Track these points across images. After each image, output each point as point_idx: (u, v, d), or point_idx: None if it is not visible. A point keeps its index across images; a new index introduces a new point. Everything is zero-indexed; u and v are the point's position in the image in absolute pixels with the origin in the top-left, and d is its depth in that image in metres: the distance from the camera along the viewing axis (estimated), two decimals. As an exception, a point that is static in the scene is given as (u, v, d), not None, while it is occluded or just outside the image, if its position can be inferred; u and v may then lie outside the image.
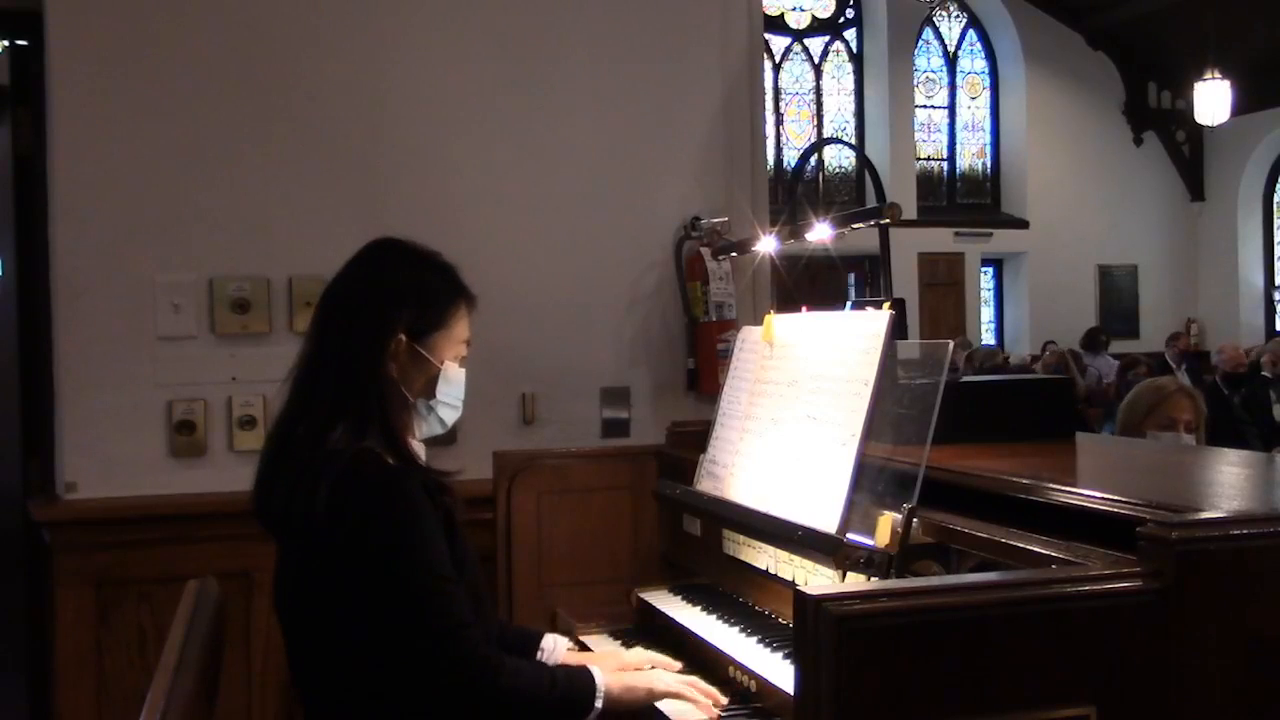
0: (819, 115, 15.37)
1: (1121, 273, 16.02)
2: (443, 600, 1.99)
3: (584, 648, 2.68)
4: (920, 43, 15.78)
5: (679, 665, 2.38)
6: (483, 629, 2.07)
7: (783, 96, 15.12)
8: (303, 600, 2.10)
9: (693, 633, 2.55)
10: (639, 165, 3.56)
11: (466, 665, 1.98)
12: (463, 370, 2.24)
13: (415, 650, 1.97)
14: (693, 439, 3.04)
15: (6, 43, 3.48)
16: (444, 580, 2.01)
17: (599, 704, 2.10)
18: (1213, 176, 16.34)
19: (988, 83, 16.18)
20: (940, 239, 15.18)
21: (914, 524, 2.00)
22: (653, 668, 2.33)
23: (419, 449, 2.22)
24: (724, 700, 2.22)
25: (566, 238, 3.49)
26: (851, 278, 13.57)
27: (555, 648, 2.44)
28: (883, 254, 2.83)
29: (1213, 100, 12.50)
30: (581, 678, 2.13)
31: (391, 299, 2.14)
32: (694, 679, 2.26)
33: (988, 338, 15.76)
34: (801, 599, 1.42)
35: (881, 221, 2.68)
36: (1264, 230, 16.22)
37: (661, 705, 2.21)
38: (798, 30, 15.34)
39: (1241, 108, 13.34)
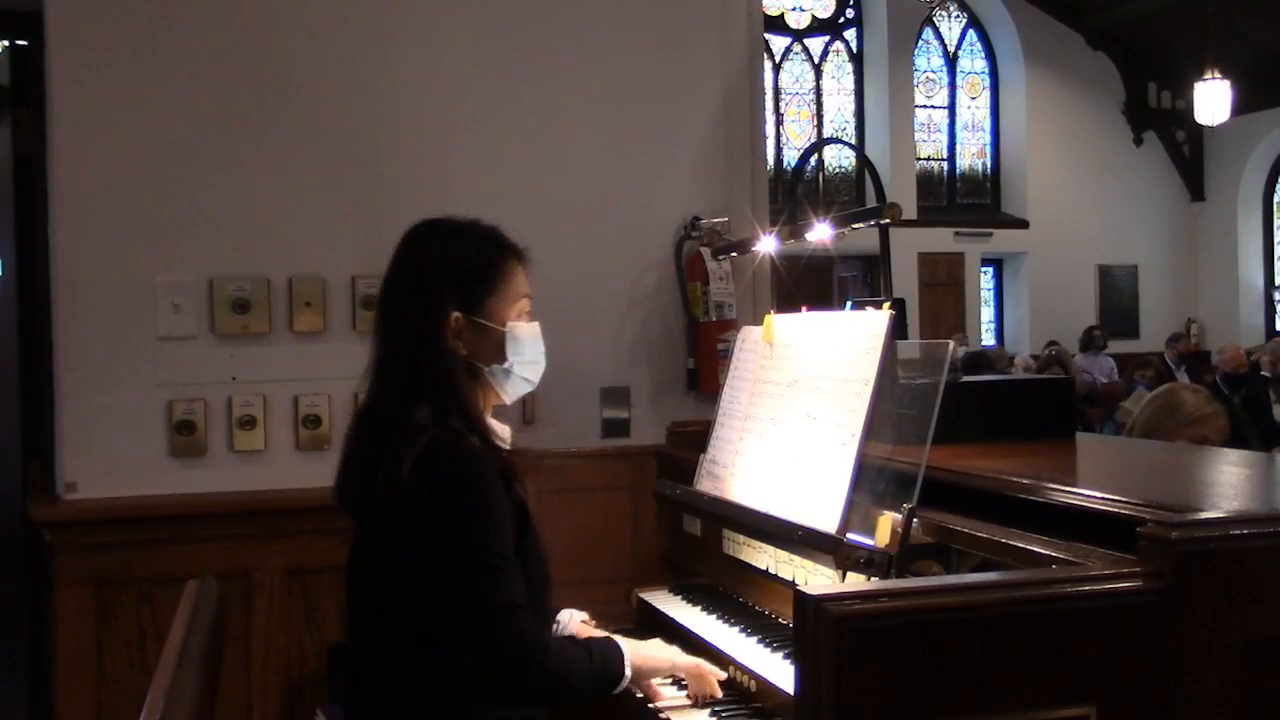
0: (819, 115, 15.38)
1: (1121, 273, 16.03)
2: (497, 578, 2.02)
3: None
4: (920, 43, 15.78)
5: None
6: (537, 614, 2.11)
7: (783, 96, 15.12)
8: (373, 573, 2.15)
9: (693, 633, 2.55)
10: (639, 165, 3.55)
11: (516, 643, 2.00)
12: (534, 325, 2.29)
13: (465, 624, 2.00)
14: (693, 439, 3.04)
15: (6, 43, 3.49)
16: (501, 559, 2.03)
17: (628, 671, 2.16)
18: (1213, 176, 16.34)
19: (988, 83, 16.19)
20: (940, 239, 15.18)
21: (914, 524, 2.00)
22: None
23: (505, 431, 2.26)
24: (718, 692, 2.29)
25: (566, 238, 3.49)
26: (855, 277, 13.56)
27: (570, 619, 2.47)
28: (883, 254, 2.83)
29: (1213, 100, 12.50)
30: (611, 649, 2.18)
31: (434, 279, 2.19)
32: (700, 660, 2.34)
33: (988, 338, 15.76)
34: (801, 599, 1.42)
35: (881, 221, 2.68)
36: (1264, 230, 16.23)
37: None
38: (798, 30, 15.34)
39: (1241, 108, 13.34)
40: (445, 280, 2.19)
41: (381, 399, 2.19)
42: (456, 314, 2.18)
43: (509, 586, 2.02)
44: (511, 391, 2.29)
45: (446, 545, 2.02)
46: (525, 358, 2.26)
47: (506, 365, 2.24)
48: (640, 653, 2.23)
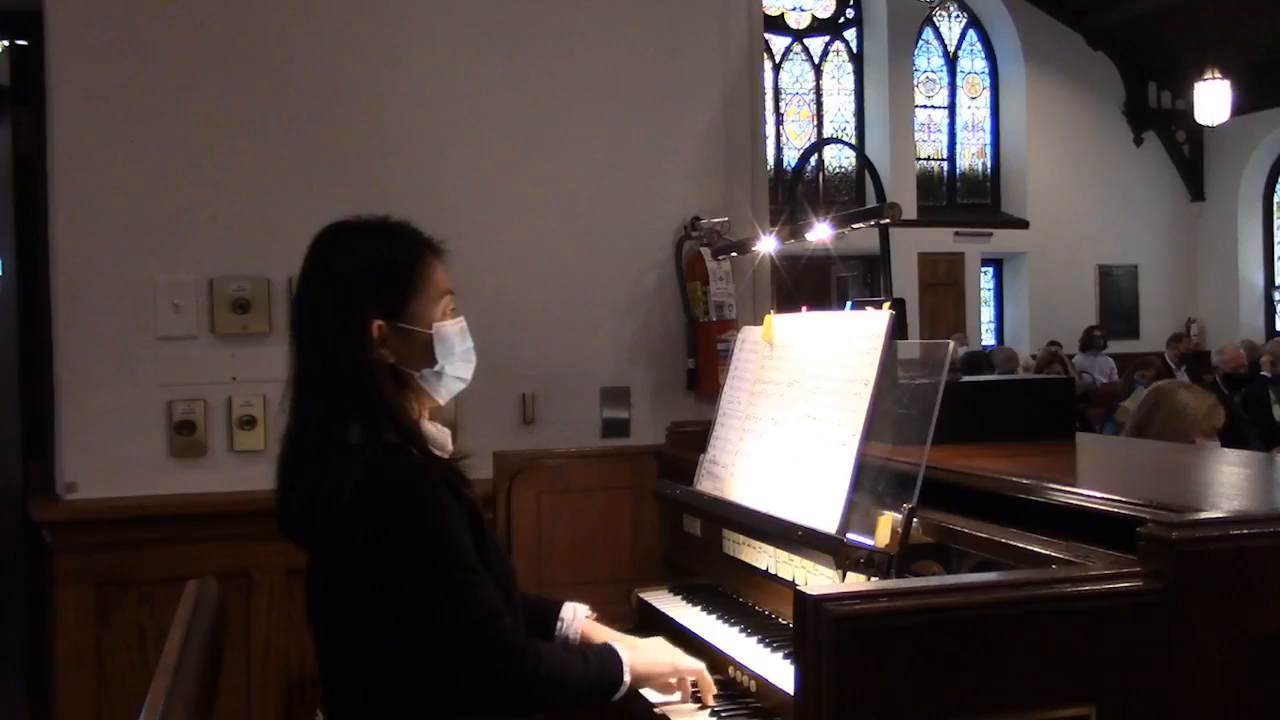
0: (819, 115, 15.38)
1: (1121, 273, 16.03)
2: (472, 591, 1.97)
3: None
4: (920, 43, 15.79)
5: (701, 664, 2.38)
6: (513, 617, 2.06)
7: (783, 96, 15.13)
8: (334, 604, 2.08)
9: (693, 633, 2.55)
10: (639, 165, 3.56)
11: (505, 655, 1.96)
12: (459, 321, 2.18)
13: (450, 644, 1.95)
14: (693, 439, 3.04)
15: (6, 43, 3.48)
16: (470, 571, 1.98)
17: (626, 678, 2.11)
18: (1213, 176, 16.35)
19: (988, 83, 16.19)
20: (940, 239, 15.18)
21: (914, 524, 2.00)
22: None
23: (444, 435, 2.18)
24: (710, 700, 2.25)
25: (567, 238, 3.49)
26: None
27: (574, 616, 2.41)
28: (883, 254, 2.83)
29: (1213, 100, 12.49)
30: (609, 656, 2.13)
31: (351, 288, 2.07)
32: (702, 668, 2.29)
33: (988, 338, 15.77)
34: (801, 599, 1.42)
35: (881, 221, 2.68)
36: (1264, 230, 16.23)
37: (645, 692, 2.23)
38: (798, 30, 15.35)
39: (1241, 108, 13.34)
40: (363, 288, 2.07)
41: (310, 419, 2.08)
42: (379, 322, 2.06)
43: (484, 597, 1.97)
44: (445, 393, 2.19)
45: (411, 571, 1.95)
46: (456, 357, 2.16)
47: (437, 368, 2.14)
48: (640, 657, 2.17)
